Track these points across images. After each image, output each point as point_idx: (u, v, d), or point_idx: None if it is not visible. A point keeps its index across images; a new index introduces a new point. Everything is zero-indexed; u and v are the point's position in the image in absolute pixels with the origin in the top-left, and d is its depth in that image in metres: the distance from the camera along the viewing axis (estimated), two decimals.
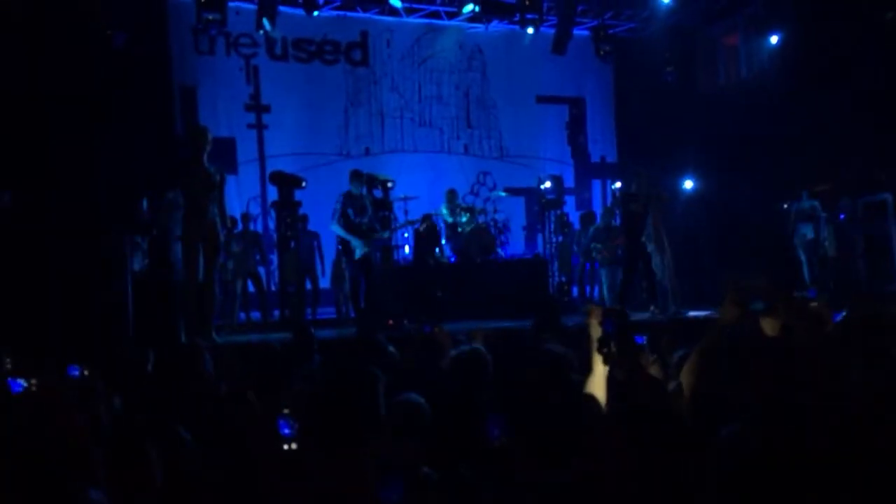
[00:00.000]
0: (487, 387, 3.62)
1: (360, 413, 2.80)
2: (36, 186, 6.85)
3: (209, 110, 11.12)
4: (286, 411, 2.47)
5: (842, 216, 10.72)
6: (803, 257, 10.66)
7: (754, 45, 11.70)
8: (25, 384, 3.31)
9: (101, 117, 7.50)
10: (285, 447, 2.45)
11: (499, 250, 10.76)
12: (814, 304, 3.81)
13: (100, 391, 3.56)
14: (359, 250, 8.37)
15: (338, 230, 8.39)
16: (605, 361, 2.82)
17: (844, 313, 3.60)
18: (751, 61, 11.72)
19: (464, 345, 4.24)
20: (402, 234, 10.61)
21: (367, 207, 8.56)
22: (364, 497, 1.93)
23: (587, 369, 3.03)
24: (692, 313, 8.54)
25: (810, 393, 2.44)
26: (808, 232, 10.61)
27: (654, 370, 3.62)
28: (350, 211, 8.36)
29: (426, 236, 10.08)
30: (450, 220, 10.64)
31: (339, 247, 8.77)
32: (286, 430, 2.47)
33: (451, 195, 10.86)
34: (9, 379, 3.33)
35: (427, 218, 10.05)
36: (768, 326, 3.04)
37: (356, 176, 8.55)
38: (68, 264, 6.55)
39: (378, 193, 9.60)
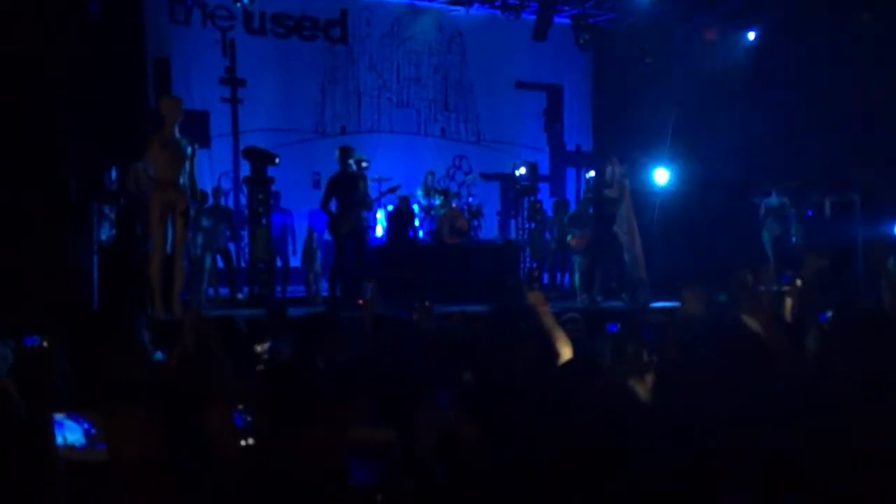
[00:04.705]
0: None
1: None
2: (4, 154, 6.74)
3: (183, 82, 10.94)
4: (240, 406, 2.41)
5: (809, 212, 10.84)
6: (771, 253, 10.77)
7: (731, 40, 11.76)
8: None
9: (73, 86, 7.39)
10: (242, 442, 2.38)
11: (471, 234, 10.76)
12: (787, 287, 3.87)
13: (58, 360, 3.57)
14: (344, 226, 8.48)
15: (326, 209, 8.58)
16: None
17: (832, 312, 3.65)
18: (727, 56, 11.77)
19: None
20: (375, 214, 10.57)
21: (357, 183, 8.66)
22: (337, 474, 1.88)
23: None
24: (660, 304, 8.58)
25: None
26: (776, 228, 10.73)
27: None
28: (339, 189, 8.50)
29: (401, 216, 10.07)
30: (424, 202, 10.64)
31: (327, 221, 8.83)
32: (240, 424, 2.40)
33: (427, 177, 10.93)
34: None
35: (403, 199, 10.08)
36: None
37: (346, 152, 8.73)
38: (35, 231, 6.46)
39: None
